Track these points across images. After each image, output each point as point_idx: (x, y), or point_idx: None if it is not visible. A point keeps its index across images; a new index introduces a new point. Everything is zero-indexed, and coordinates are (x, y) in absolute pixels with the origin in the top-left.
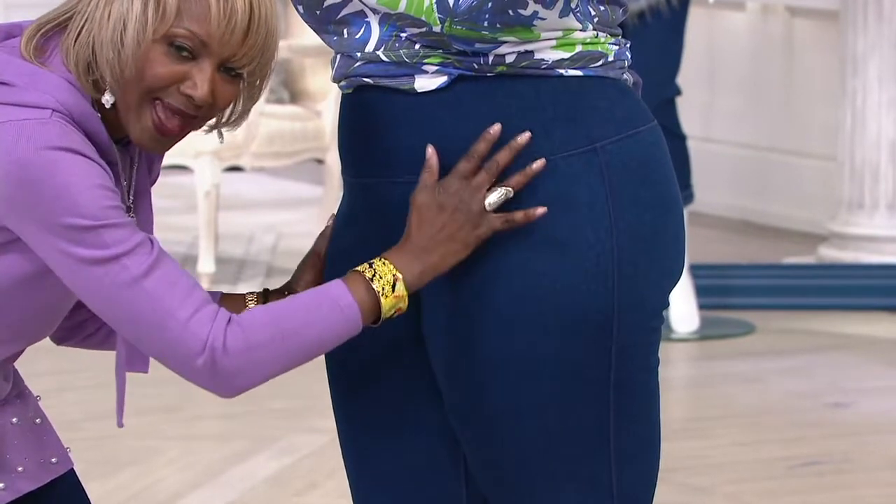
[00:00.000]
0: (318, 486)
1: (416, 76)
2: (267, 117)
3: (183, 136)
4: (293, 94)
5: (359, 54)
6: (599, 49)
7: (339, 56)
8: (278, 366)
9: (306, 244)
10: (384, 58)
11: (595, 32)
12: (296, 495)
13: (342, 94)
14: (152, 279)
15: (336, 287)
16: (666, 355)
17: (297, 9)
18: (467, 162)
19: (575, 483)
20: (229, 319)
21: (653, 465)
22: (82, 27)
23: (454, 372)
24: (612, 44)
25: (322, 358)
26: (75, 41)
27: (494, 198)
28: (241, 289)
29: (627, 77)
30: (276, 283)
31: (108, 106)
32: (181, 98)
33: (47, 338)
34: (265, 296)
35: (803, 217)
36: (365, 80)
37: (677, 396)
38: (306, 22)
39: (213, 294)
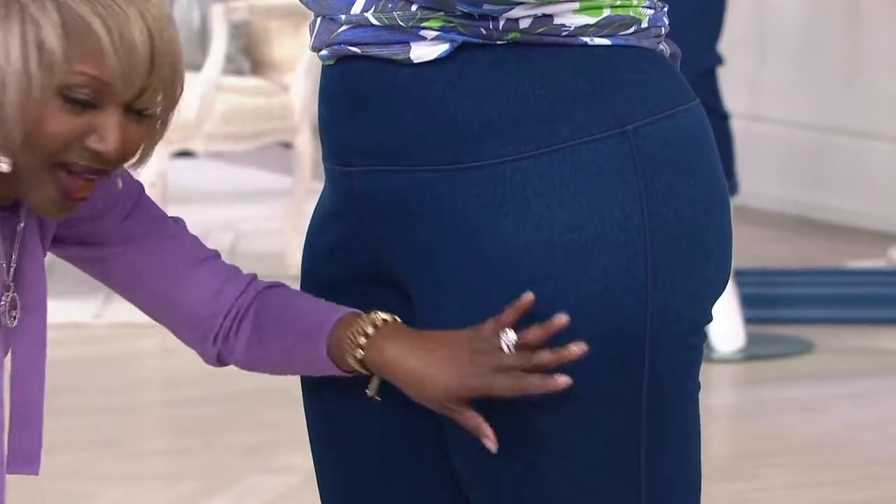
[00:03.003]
0: None
1: (411, 43)
2: (224, 91)
3: (91, 194)
4: (255, 63)
5: (343, 17)
6: (631, 14)
7: (318, 20)
8: None
9: (270, 244)
10: (374, 21)
11: None
12: None
13: (322, 65)
14: None
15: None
16: (706, 379)
17: None
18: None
19: None
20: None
21: None
22: None
23: None
24: (647, 7)
25: (287, 384)
26: None
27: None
28: None
29: (664, 48)
30: None
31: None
32: (87, 155)
33: None
34: None
35: (871, 212)
36: (350, 48)
37: (720, 428)
38: None
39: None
